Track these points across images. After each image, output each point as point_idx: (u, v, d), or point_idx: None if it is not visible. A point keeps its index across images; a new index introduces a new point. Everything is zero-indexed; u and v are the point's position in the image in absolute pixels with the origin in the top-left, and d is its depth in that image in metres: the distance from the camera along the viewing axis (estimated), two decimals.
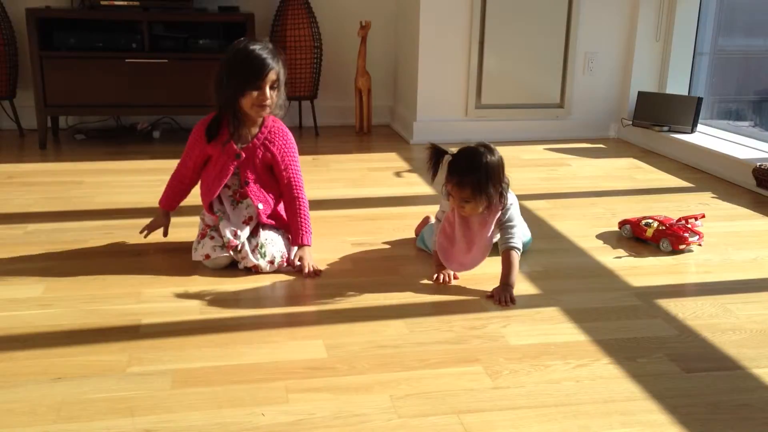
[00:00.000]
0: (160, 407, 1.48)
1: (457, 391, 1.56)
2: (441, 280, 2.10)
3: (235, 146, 2.15)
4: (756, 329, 1.85)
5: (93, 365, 1.62)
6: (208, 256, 2.14)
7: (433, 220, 2.32)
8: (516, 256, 2.05)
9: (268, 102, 2.09)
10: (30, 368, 1.61)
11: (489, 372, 1.63)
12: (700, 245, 2.39)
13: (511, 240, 2.05)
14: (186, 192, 2.31)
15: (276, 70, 2.08)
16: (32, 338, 1.74)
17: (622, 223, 2.52)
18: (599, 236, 2.52)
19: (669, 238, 2.36)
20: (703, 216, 2.42)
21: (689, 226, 2.38)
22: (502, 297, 1.99)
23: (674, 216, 2.51)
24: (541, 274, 2.18)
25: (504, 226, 2.07)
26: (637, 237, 2.47)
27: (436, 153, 2.05)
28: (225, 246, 2.14)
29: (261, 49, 2.07)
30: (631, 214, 2.62)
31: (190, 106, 3.69)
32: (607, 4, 3.96)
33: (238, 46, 2.08)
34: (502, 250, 2.07)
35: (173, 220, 2.37)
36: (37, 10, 3.50)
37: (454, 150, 2.06)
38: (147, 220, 2.55)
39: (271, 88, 2.08)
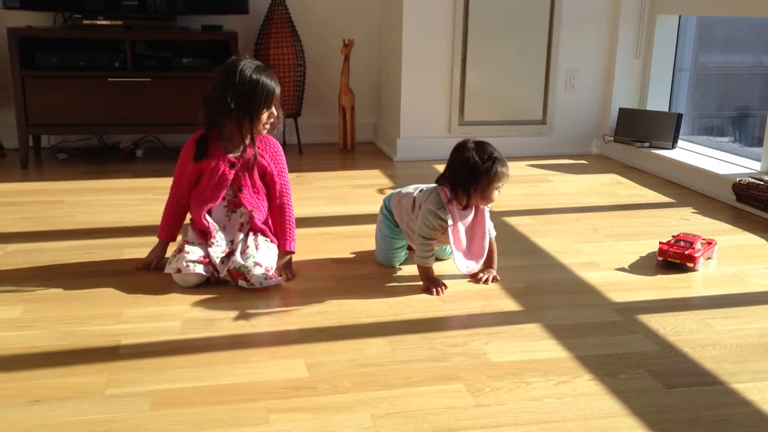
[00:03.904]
0: (139, 429, 1.46)
1: (439, 409, 1.55)
2: (435, 293, 2.14)
3: (230, 156, 2.21)
4: (735, 344, 1.86)
5: (71, 387, 1.60)
6: (179, 270, 2.13)
7: None
8: (494, 242, 2.28)
9: (275, 118, 2.23)
10: (6, 391, 1.59)
11: (471, 390, 1.63)
12: (695, 269, 2.38)
13: (491, 228, 2.26)
14: (185, 214, 2.31)
15: (278, 91, 2.21)
16: (9, 360, 1.72)
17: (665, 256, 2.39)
18: (581, 252, 2.53)
19: (660, 247, 2.40)
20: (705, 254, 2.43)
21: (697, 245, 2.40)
22: (489, 276, 2.23)
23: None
24: (523, 291, 2.18)
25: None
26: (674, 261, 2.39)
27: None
28: (198, 261, 2.14)
29: (263, 73, 2.17)
30: (614, 230, 2.65)
31: (174, 125, 3.68)
32: (587, 21, 4.01)
33: (243, 74, 2.13)
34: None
35: (155, 239, 2.35)
36: (18, 30, 3.49)
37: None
38: (128, 240, 2.56)
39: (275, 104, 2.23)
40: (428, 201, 2.17)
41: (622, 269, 2.38)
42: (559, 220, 2.91)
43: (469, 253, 2.21)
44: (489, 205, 2.24)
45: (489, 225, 2.25)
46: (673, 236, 2.47)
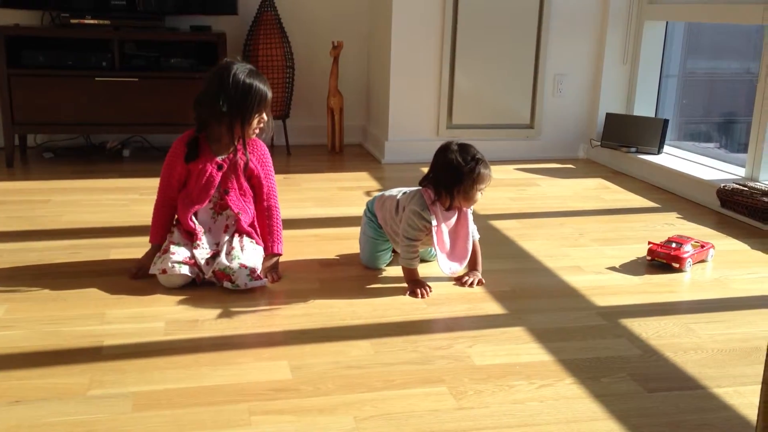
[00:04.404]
0: (121, 431, 1.45)
1: (422, 411, 1.55)
2: (420, 296, 2.14)
3: (217, 158, 2.21)
4: (717, 349, 1.88)
5: (52, 388, 1.60)
6: (164, 271, 2.13)
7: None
8: (478, 245, 2.29)
9: (265, 123, 2.23)
10: None
11: (453, 392, 1.63)
12: (682, 270, 2.41)
13: (475, 232, 2.27)
14: (174, 215, 2.28)
15: (270, 96, 2.21)
16: None
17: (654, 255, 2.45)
18: (566, 256, 2.54)
19: (650, 246, 2.44)
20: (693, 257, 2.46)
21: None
22: (474, 279, 2.23)
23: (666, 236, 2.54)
24: (508, 294, 2.19)
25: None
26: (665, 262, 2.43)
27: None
28: (184, 262, 2.13)
29: (256, 77, 2.17)
30: (600, 234, 2.66)
31: (161, 125, 3.68)
32: (575, 27, 4.03)
33: (236, 78, 2.13)
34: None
35: (143, 240, 2.33)
36: (5, 28, 3.48)
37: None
38: (115, 240, 2.55)
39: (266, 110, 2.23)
40: (412, 202, 2.18)
41: (607, 273, 2.39)
42: (545, 224, 2.92)
43: (453, 255, 2.21)
44: (472, 208, 2.25)
45: (472, 228, 2.26)
46: (669, 238, 2.50)
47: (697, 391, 1.67)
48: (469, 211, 2.25)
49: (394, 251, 2.37)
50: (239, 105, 2.14)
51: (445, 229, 2.19)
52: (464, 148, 2.16)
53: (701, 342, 1.91)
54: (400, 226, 2.21)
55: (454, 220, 2.21)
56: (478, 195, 2.17)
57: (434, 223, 2.16)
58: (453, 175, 2.12)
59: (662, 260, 2.41)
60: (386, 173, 3.71)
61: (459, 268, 2.23)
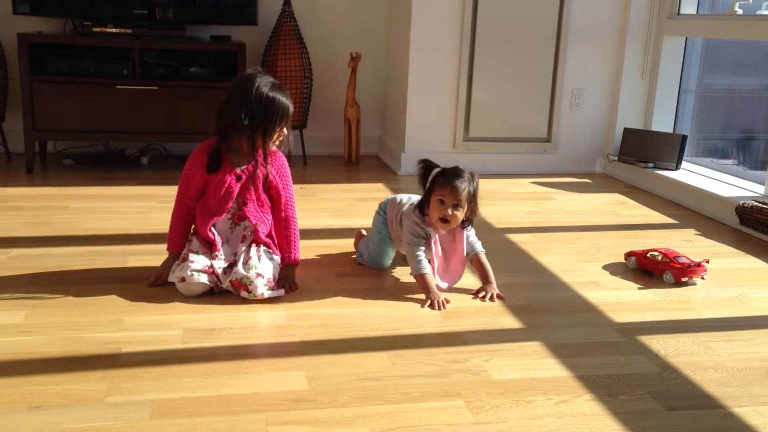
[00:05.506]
0: None
1: (439, 425, 1.55)
2: (436, 307, 2.15)
3: (237, 169, 2.21)
4: (737, 367, 1.86)
5: (71, 394, 1.60)
6: (183, 279, 2.13)
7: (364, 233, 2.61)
8: (485, 258, 2.32)
9: (285, 136, 2.24)
10: (7, 396, 1.59)
11: (470, 407, 1.63)
12: (703, 278, 2.45)
13: (477, 246, 2.32)
14: (192, 223, 2.28)
15: (292, 110, 2.22)
16: (10, 366, 1.72)
17: (628, 255, 2.56)
18: (583, 271, 2.53)
19: (672, 270, 2.41)
20: (707, 261, 2.47)
21: (692, 261, 2.45)
22: (492, 293, 2.23)
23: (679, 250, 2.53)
24: (525, 308, 2.18)
25: (468, 240, 2.31)
26: (642, 269, 2.51)
27: (427, 166, 2.27)
28: (203, 271, 2.14)
29: (279, 91, 2.18)
30: (617, 250, 2.65)
31: (180, 133, 3.70)
32: (594, 41, 4.03)
33: (259, 92, 2.14)
34: (473, 256, 2.32)
35: (161, 247, 2.34)
36: (28, 35, 3.52)
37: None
38: (132, 247, 2.56)
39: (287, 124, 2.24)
40: (412, 215, 2.28)
41: (624, 289, 2.38)
42: (561, 238, 2.91)
43: (446, 273, 2.27)
44: (472, 229, 2.30)
45: (475, 243, 2.31)
46: (646, 252, 2.50)
47: (717, 411, 1.66)
48: (469, 232, 2.29)
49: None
50: (261, 118, 2.14)
51: (440, 245, 2.25)
52: (452, 169, 2.23)
53: (721, 360, 1.90)
54: (402, 234, 2.30)
55: (449, 239, 2.27)
56: (449, 211, 2.18)
57: (432, 235, 2.23)
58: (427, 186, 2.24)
59: (699, 277, 2.43)
60: (402, 185, 3.72)
61: (445, 286, 2.27)
